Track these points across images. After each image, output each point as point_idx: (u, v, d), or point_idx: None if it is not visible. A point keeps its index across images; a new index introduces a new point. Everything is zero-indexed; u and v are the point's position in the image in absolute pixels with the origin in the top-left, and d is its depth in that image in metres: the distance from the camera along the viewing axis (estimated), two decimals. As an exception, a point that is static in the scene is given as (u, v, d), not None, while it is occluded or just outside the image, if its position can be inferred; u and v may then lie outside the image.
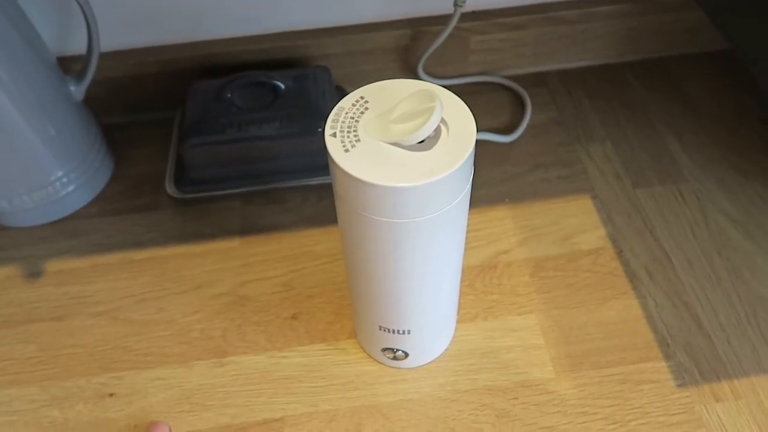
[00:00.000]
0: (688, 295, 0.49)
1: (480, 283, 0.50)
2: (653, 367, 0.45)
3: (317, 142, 0.47)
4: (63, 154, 0.53)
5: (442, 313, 0.41)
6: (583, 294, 0.49)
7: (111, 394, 0.45)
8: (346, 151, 0.30)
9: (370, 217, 0.31)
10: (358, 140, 0.31)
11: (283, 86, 0.54)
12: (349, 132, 0.31)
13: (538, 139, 0.60)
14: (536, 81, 0.66)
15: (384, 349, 0.43)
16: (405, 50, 0.63)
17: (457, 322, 0.48)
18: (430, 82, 0.64)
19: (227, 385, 0.45)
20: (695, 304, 0.48)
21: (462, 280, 0.50)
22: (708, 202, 0.54)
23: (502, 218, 0.54)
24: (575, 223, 0.54)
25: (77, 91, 0.54)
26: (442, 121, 0.31)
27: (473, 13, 0.62)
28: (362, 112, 0.32)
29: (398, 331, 0.40)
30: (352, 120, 0.31)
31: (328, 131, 0.31)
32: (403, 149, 0.30)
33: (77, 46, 0.59)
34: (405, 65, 0.64)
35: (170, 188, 0.56)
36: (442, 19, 0.60)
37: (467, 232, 0.53)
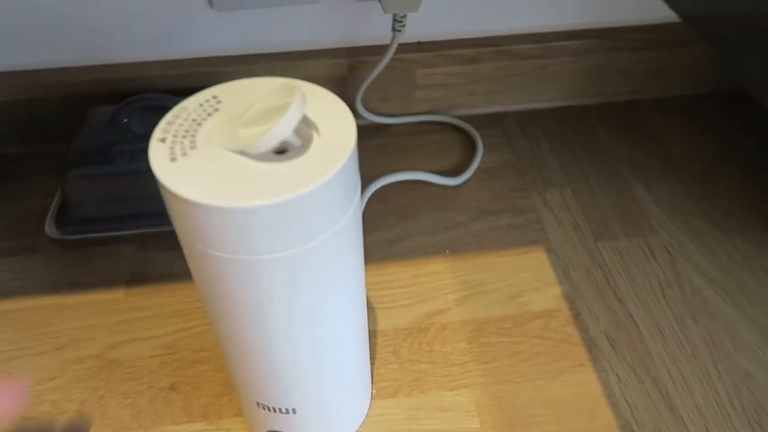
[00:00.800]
0: (658, 368, 0.40)
1: (407, 350, 0.41)
2: (615, 462, 0.36)
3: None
4: None
5: (340, 387, 0.32)
6: (531, 365, 0.40)
7: None
8: (173, 160, 0.22)
9: (208, 252, 0.23)
10: (194, 147, 0.23)
11: (188, 112, 0.47)
12: (184, 137, 0.23)
13: (488, 183, 0.53)
14: (490, 121, 0.59)
15: (270, 432, 0.34)
16: (342, 81, 0.56)
17: (373, 398, 0.38)
18: (369, 118, 0.58)
19: (71, 474, 0.35)
20: (666, 379, 0.39)
21: (385, 345, 0.41)
22: (681, 259, 0.47)
23: (440, 272, 0.46)
24: (526, 279, 0.46)
25: (-54, 110, 0.46)
26: (312, 125, 0.24)
27: (419, 43, 0.56)
28: (210, 114, 0.24)
29: (280, 409, 0.31)
30: (193, 122, 0.24)
31: (156, 135, 0.23)
32: (254, 160, 0.22)
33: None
34: (341, 98, 0.57)
35: (50, 228, 0.47)
36: (384, 49, 0.53)
37: (397, 288, 0.45)
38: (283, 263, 0.23)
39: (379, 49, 0.54)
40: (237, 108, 0.24)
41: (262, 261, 0.23)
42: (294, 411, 0.31)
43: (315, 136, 0.23)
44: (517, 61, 0.57)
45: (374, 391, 0.39)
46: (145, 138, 0.44)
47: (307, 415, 0.32)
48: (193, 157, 0.22)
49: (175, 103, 0.44)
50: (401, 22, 0.49)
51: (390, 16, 0.50)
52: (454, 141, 0.58)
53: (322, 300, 0.26)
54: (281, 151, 0.23)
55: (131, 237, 0.48)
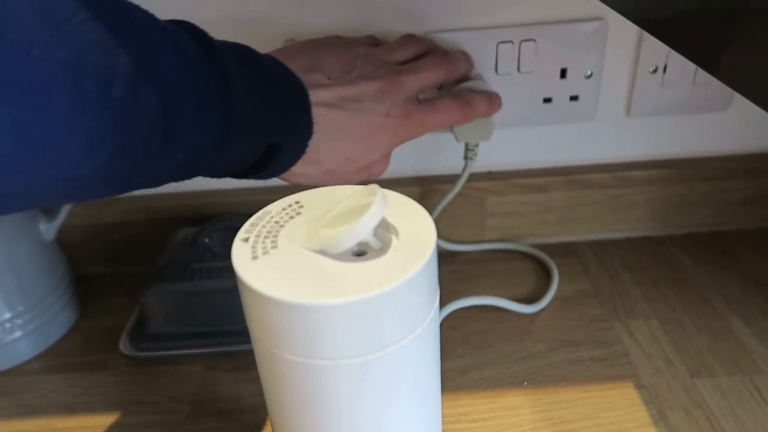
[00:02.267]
0: None
1: (483, 493, 0.37)
2: None
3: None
4: (13, 294, 0.47)
5: None
6: None
7: None
8: (254, 258, 0.22)
9: (279, 355, 0.22)
10: (275, 246, 0.23)
11: (265, 233, 0.48)
12: (266, 237, 0.23)
13: (566, 313, 0.50)
14: (564, 251, 0.57)
15: None
16: (413, 209, 0.57)
17: None
18: (440, 245, 0.58)
19: None
20: None
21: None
22: (796, 402, 0.41)
23: (518, 406, 0.42)
24: (616, 418, 0.41)
25: (47, 229, 0.50)
26: (391, 229, 0.23)
27: (489, 173, 0.57)
28: (292, 217, 0.24)
29: None
30: (276, 224, 0.24)
31: (240, 236, 0.23)
32: (333, 259, 0.22)
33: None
34: (413, 225, 0.58)
35: (123, 344, 0.48)
36: (455, 178, 0.54)
37: (470, 422, 0.41)
38: (355, 370, 0.22)
39: (451, 178, 0.55)
40: (319, 211, 0.24)
41: (334, 366, 0.21)
42: None
43: (394, 239, 0.23)
44: (588, 190, 0.57)
45: None
46: (224, 257, 0.46)
47: None
48: (274, 256, 0.22)
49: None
50: (473, 150, 0.51)
51: (462, 145, 0.52)
52: (528, 269, 0.56)
53: (390, 413, 0.24)
54: (361, 254, 0.23)
55: (201, 356, 0.47)
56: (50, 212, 0.51)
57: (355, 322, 0.20)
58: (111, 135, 0.23)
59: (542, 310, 0.51)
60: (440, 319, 0.49)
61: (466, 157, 0.52)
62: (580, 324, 0.49)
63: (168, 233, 0.54)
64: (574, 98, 0.52)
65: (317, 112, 0.36)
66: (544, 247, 0.58)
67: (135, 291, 0.54)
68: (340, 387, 0.22)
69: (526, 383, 0.44)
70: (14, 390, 0.46)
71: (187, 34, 0.28)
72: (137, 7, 0.25)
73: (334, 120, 0.37)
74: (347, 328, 0.21)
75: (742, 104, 0.53)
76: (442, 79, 0.44)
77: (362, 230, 0.21)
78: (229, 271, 0.45)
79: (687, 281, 0.53)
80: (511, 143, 0.55)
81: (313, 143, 0.36)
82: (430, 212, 0.54)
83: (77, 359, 0.49)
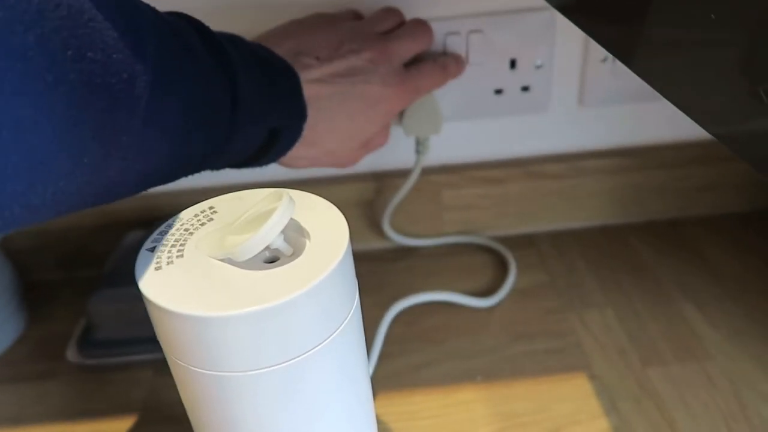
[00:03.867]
0: None
1: (432, 492, 0.36)
2: None
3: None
4: (-48, 307, 0.46)
5: None
6: None
7: None
8: (158, 269, 0.21)
9: (188, 368, 0.21)
10: (181, 256, 0.22)
11: (214, 235, 0.47)
12: (174, 246, 0.22)
13: (522, 305, 0.50)
14: (522, 243, 0.57)
15: None
16: (369, 205, 0.56)
17: None
18: (397, 240, 0.57)
19: None
20: None
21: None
22: (745, 387, 0.41)
23: (471, 401, 0.42)
24: (568, 410, 0.41)
25: (-11, 237, 0.48)
26: (304, 232, 0.23)
27: (444, 166, 0.56)
28: (203, 224, 0.24)
29: None
30: (185, 232, 0.23)
31: (146, 245, 0.23)
32: (240, 268, 0.21)
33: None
34: (370, 221, 0.57)
35: (71, 352, 0.47)
36: (410, 173, 0.54)
37: (423, 419, 0.41)
38: (267, 381, 0.21)
39: (406, 173, 0.54)
40: (231, 217, 0.24)
41: (244, 378, 0.21)
42: None
43: (307, 242, 0.22)
44: (545, 181, 0.56)
45: None
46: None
47: None
48: (178, 266, 0.21)
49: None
50: (424, 144, 0.50)
51: (413, 140, 0.51)
52: (486, 262, 0.56)
53: (316, 420, 0.23)
54: (273, 260, 0.22)
55: (150, 362, 0.47)
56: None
57: (256, 332, 0.20)
58: (134, 135, 0.22)
59: (498, 303, 0.50)
60: (392, 316, 0.48)
61: (417, 151, 0.51)
62: (535, 316, 0.49)
63: (118, 237, 0.53)
64: (525, 89, 0.52)
65: (309, 94, 0.36)
66: (502, 240, 0.57)
67: (84, 297, 0.53)
68: (254, 399, 0.22)
69: (479, 378, 0.44)
70: (-42, 403, 0.45)
71: (191, 29, 0.28)
72: (147, 6, 0.25)
73: (329, 99, 0.37)
74: (248, 338, 0.20)
75: (693, 91, 0.53)
76: (424, 47, 0.44)
77: (267, 236, 0.20)
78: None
79: (643, 269, 0.53)
80: (465, 136, 0.55)
81: (308, 125, 0.36)
82: (385, 208, 0.54)
83: (25, 368, 0.48)
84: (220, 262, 0.21)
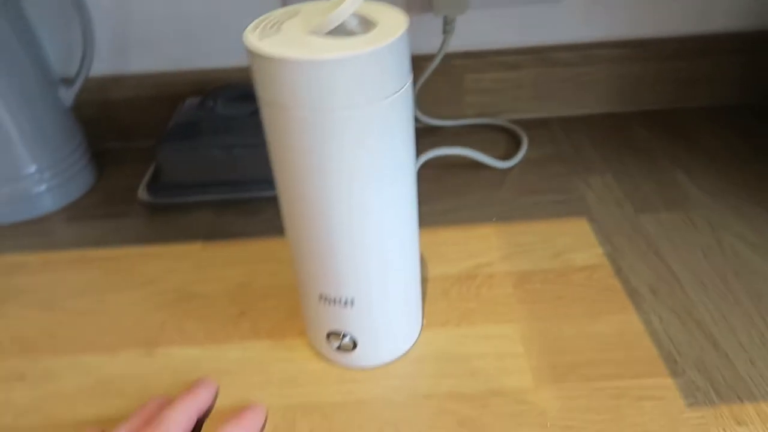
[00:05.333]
0: (700, 313, 0.41)
1: (455, 292, 0.44)
2: (657, 383, 0.37)
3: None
4: (38, 151, 0.52)
5: (395, 285, 0.36)
6: (574, 307, 0.42)
7: (21, 377, 0.39)
8: (261, 39, 0.28)
9: (286, 109, 0.28)
10: (278, 31, 0.29)
11: (266, 96, 0.54)
12: (271, 27, 0.29)
13: (533, 170, 0.57)
14: (535, 124, 0.64)
15: (330, 335, 0.37)
16: (398, 85, 0.62)
17: (423, 327, 0.41)
18: (423, 120, 0.64)
19: (151, 375, 0.39)
20: (709, 322, 0.40)
21: (435, 288, 0.44)
22: (722, 229, 0.48)
23: (488, 235, 0.50)
24: (568, 242, 0.48)
25: (66, 95, 0.55)
26: (371, 23, 0.29)
27: (467, 52, 0.62)
28: (291, 17, 0.30)
29: (340, 300, 0.35)
30: (277, 22, 0.30)
31: (248, 30, 0.29)
32: (326, 38, 0.28)
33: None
34: (398, 101, 0.64)
35: (142, 193, 0.54)
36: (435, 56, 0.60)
37: (447, 246, 0.48)
38: (351, 121, 0.28)
39: (432, 57, 0.60)
40: (314, 14, 0.30)
41: (333, 118, 0.28)
42: (352, 303, 0.35)
43: (374, 27, 0.29)
44: (558, 68, 0.62)
45: (425, 322, 0.42)
46: (229, 119, 0.52)
47: (363, 309, 0.35)
48: (278, 36, 0.28)
49: (254, 90, 0.51)
50: (451, 24, 0.56)
51: (440, 24, 0.57)
52: (502, 140, 0.62)
53: (379, 169, 0.30)
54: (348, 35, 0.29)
55: (211, 203, 0.54)
56: (68, 80, 0.56)
57: (348, 77, 0.27)
58: None
59: (512, 168, 0.57)
60: (423, 161, 0.55)
61: (444, 32, 0.57)
62: (544, 178, 0.56)
63: (173, 109, 0.60)
64: (543, -22, 0.57)
65: None
66: (516, 122, 0.64)
67: (146, 161, 0.60)
68: (340, 137, 0.28)
69: (495, 219, 0.51)
70: (46, 232, 0.53)
71: None
72: None
73: None
74: (343, 81, 0.27)
75: (695, -15, 0.59)
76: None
77: (345, 10, 0.27)
78: (235, 128, 0.51)
79: (641, 147, 0.60)
80: (486, 24, 0.61)
81: None
82: (413, 87, 0.60)
83: (99, 211, 0.55)
84: (310, 35, 0.28)
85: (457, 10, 0.55)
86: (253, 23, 0.30)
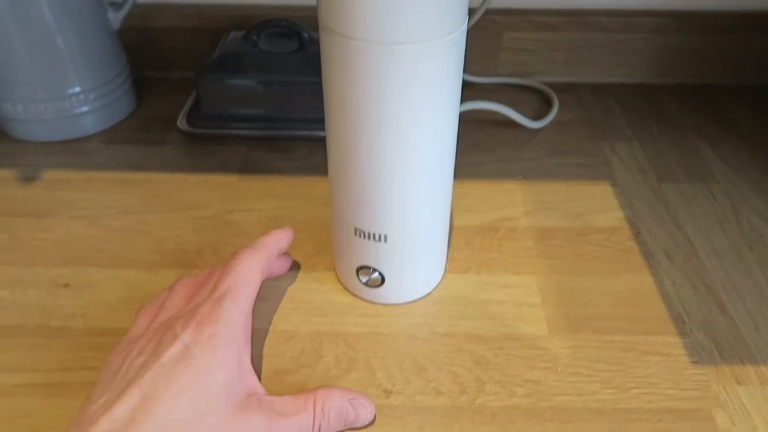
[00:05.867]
0: (712, 279, 0.43)
1: (478, 242, 0.46)
2: (664, 341, 0.39)
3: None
4: (83, 71, 0.54)
5: (427, 222, 0.38)
6: (592, 265, 0.44)
7: (66, 285, 0.42)
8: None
9: (352, 44, 0.29)
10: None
11: (308, 36, 0.55)
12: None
13: (561, 132, 0.58)
14: (566, 88, 0.64)
15: (360, 269, 0.39)
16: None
17: (446, 271, 0.43)
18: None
19: (188, 293, 0.42)
20: (719, 289, 0.42)
21: (459, 236, 0.46)
22: (741, 202, 0.50)
23: (512, 191, 0.51)
24: (591, 203, 0.50)
25: (114, 18, 0.56)
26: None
27: (508, 9, 0.62)
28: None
29: (374, 236, 0.37)
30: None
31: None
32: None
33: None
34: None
35: (181, 122, 0.56)
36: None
37: (472, 197, 0.50)
38: (410, 54, 0.29)
39: (473, 12, 0.60)
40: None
41: (392, 50, 0.29)
42: (385, 239, 0.37)
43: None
44: (595, 32, 0.63)
45: (448, 267, 0.44)
46: (271, 54, 0.53)
47: (395, 247, 0.37)
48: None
49: (298, 28, 0.53)
50: (496, -22, 0.56)
51: (487, -25, 0.57)
52: (533, 100, 0.63)
53: (431, 108, 0.32)
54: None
55: (246, 138, 0.55)
56: (117, 3, 0.57)
57: (410, 9, 0.28)
58: None
59: (541, 129, 0.58)
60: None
61: (488, -16, 0.57)
62: (572, 140, 0.57)
63: (214, 42, 0.61)
64: (593, -62, 0.57)
65: None
66: (549, 85, 0.64)
67: (186, 91, 0.61)
68: (399, 71, 0.30)
69: (520, 176, 0.53)
70: (89, 152, 0.55)
71: None
72: None
73: None
74: (408, 13, 0.28)
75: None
76: None
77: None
78: (276, 65, 0.52)
79: (668, 118, 0.60)
80: (530, -20, 0.61)
81: None
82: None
83: (139, 136, 0.57)
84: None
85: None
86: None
